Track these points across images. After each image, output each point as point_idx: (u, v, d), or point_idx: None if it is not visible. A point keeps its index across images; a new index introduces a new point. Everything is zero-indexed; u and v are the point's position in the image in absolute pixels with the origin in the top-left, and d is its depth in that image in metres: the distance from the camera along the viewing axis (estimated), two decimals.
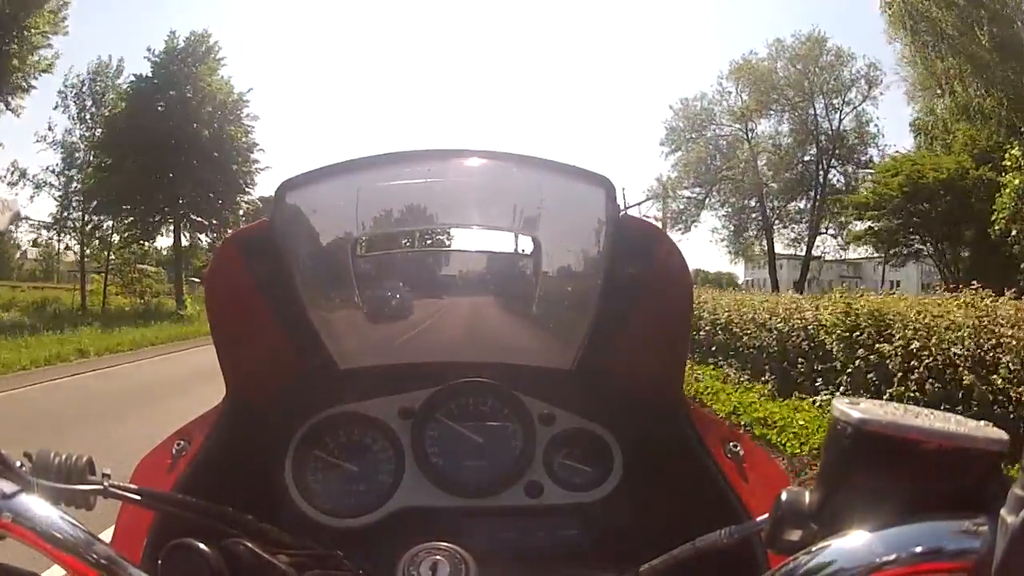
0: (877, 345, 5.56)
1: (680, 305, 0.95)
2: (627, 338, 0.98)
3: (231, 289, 0.94)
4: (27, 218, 22.83)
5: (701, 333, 9.73)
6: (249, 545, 0.62)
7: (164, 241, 24.62)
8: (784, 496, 0.46)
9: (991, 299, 5.20)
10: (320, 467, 1.03)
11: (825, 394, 6.12)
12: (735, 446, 0.90)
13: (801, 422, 5.52)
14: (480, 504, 1.00)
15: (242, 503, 0.68)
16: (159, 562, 0.60)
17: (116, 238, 23.19)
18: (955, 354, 4.77)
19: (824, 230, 28.22)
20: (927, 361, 4.97)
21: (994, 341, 4.61)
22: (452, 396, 1.06)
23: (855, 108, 27.63)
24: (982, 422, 0.41)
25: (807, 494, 0.45)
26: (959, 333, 4.85)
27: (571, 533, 1.01)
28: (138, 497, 0.63)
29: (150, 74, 22.07)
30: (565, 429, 1.05)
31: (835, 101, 27.61)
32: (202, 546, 0.59)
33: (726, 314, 9.33)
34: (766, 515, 0.48)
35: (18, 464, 0.55)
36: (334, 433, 1.04)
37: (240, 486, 0.82)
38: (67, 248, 25.48)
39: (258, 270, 0.92)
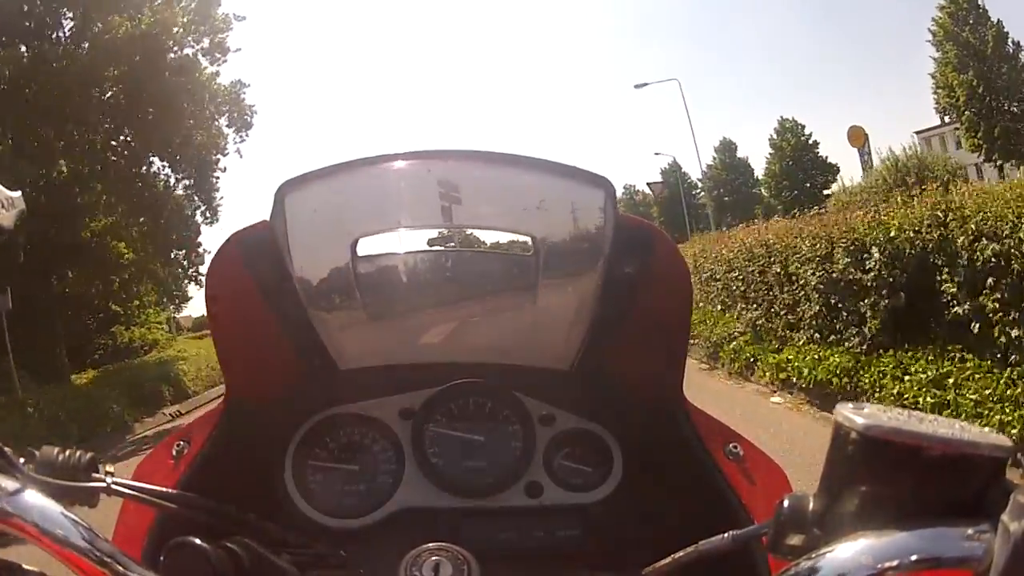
0: None
1: (679, 304, 0.95)
2: (626, 338, 0.98)
3: (230, 289, 0.94)
4: None
5: None
6: (251, 544, 0.62)
7: None
8: (787, 501, 0.46)
9: None
10: (320, 467, 1.03)
11: None
12: (735, 447, 0.90)
13: None
14: (480, 504, 1.01)
15: (242, 504, 0.68)
16: (161, 560, 0.60)
17: None
18: None
19: None
20: None
21: None
22: (452, 397, 1.06)
23: None
24: (986, 428, 0.42)
25: (810, 499, 0.46)
26: None
27: (571, 533, 1.01)
28: (141, 495, 0.63)
29: None
30: (565, 429, 1.05)
31: None
32: (204, 544, 0.59)
33: None
34: (769, 519, 0.48)
35: (21, 461, 0.55)
36: (334, 433, 1.04)
37: (240, 487, 0.82)
38: None
39: (258, 270, 0.92)
